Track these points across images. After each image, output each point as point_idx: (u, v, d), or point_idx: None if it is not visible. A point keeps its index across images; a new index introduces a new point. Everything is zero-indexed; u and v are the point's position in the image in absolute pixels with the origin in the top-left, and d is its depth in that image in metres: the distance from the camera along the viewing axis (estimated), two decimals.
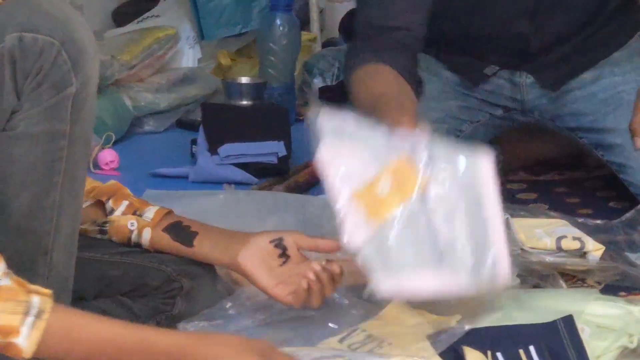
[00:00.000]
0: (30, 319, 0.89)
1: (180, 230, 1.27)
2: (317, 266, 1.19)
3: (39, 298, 0.97)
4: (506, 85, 1.81)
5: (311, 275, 1.18)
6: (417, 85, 1.68)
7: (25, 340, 0.88)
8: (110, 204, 1.24)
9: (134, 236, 1.23)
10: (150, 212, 1.27)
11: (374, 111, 1.42)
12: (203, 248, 1.27)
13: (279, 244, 1.24)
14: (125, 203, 1.25)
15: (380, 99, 1.49)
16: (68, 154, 1.06)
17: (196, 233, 1.26)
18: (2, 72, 1.00)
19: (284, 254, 1.22)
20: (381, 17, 1.70)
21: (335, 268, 1.20)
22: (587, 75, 1.76)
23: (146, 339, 0.95)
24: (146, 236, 1.23)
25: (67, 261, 1.12)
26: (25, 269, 1.04)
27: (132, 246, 1.25)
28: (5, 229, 1.06)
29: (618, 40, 1.81)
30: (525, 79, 1.80)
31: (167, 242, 1.24)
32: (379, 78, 1.59)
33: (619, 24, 1.83)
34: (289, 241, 1.24)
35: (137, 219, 1.25)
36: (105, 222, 1.26)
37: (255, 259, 1.24)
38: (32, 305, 0.90)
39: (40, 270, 1.08)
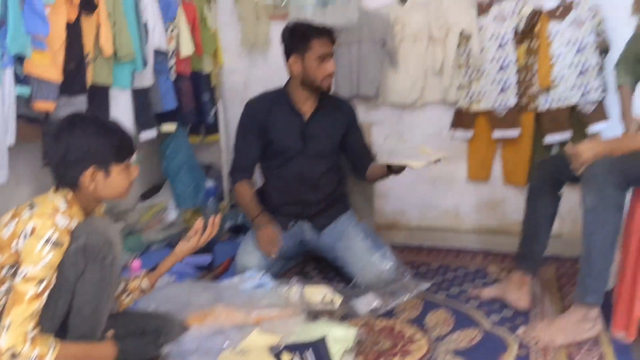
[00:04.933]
0: (51, 350, 1.45)
1: (151, 270, 1.89)
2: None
3: (54, 340, 1.47)
4: (298, 230, 2.57)
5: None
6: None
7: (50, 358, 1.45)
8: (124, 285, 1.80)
9: (140, 286, 1.81)
10: (140, 276, 1.86)
11: (247, 207, 2.48)
12: (159, 269, 1.88)
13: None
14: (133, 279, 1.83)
15: (249, 200, 2.49)
16: (110, 281, 1.58)
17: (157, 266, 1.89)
18: (77, 255, 1.50)
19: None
20: (241, 161, 2.56)
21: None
22: (331, 225, 2.55)
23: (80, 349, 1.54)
24: (145, 283, 1.83)
25: (103, 328, 1.63)
26: (89, 336, 1.57)
27: (143, 294, 1.80)
28: (80, 319, 1.54)
29: (343, 209, 2.60)
30: (306, 226, 2.57)
31: (149, 279, 1.83)
32: (245, 189, 2.52)
33: (343, 203, 2.65)
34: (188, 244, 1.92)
35: (140, 280, 1.82)
36: (126, 289, 1.82)
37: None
38: (51, 343, 1.46)
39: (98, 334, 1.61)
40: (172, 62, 2.91)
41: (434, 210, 3.54)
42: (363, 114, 3.31)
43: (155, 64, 2.78)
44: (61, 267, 1.49)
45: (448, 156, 2.40)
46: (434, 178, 3.50)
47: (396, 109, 3.46)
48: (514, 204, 3.32)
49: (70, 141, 1.55)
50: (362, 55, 3.29)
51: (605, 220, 1.88)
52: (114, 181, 1.61)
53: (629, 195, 2.01)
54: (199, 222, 1.91)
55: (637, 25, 2.24)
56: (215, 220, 1.93)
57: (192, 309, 2.00)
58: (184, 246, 1.89)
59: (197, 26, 3.12)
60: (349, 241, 2.50)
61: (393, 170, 2.42)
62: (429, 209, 3.55)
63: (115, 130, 1.63)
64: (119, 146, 1.62)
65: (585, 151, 1.96)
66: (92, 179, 1.58)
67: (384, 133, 3.47)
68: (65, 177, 1.59)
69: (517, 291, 2.28)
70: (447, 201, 3.51)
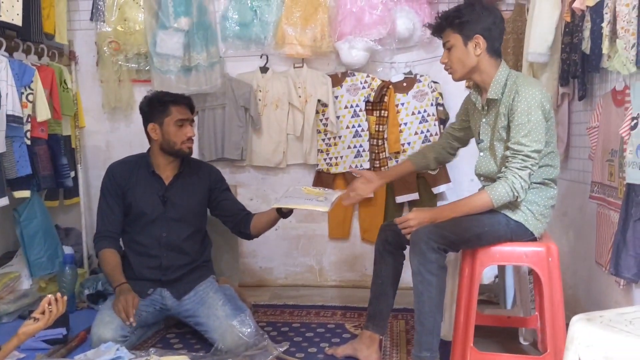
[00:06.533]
0: None
1: None
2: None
3: None
4: (158, 296, 2.57)
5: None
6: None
7: None
8: None
9: None
10: None
11: (110, 277, 2.47)
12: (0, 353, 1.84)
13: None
14: None
15: (113, 268, 2.48)
16: None
17: None
18: None
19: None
20: (105, 227, 2.58)
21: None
22: (191, 292, 2.54)
23: None
24: None
25: None
26: None
27: None
28: None
29: (205, 275, 2.61)
30: (166, 293, 2.57)
31: None
32: (111, 256, 2.53)
33: (206, 268, 2.67)
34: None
35: None
36: None
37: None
38: None
39: None
40: (28, 127, 2.87)
41: (299, 267, 3.67)
42: (228, 176, 3.40)
43: (8, 129, 2.73)
44: None
45: (341, 193, 2.52)
46: (298, 236, 3.65)
47: (261, 170, 3.61)
48: (372, 259, 3.51)
49: None
50: (226, 119, 3.43)
51: (429, 282, 2.06)
52: None
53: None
54: (45, 301, 1.87)
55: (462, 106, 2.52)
56: (59, 298, 1.89)
57: None
58: (29, 327, 1.83)
59: (56, 90, 3.10)
60: (210, 307, 2.52)
61: (283, 213, 2.51)
62: (294, 266, 3.68)
63: None
64: None
65: (412, 219, 2.17)
66: None
67: (249, 194, 3.59)
68: None
69: (367, 349, 2.44)
70: (310, 259, 3.65)
